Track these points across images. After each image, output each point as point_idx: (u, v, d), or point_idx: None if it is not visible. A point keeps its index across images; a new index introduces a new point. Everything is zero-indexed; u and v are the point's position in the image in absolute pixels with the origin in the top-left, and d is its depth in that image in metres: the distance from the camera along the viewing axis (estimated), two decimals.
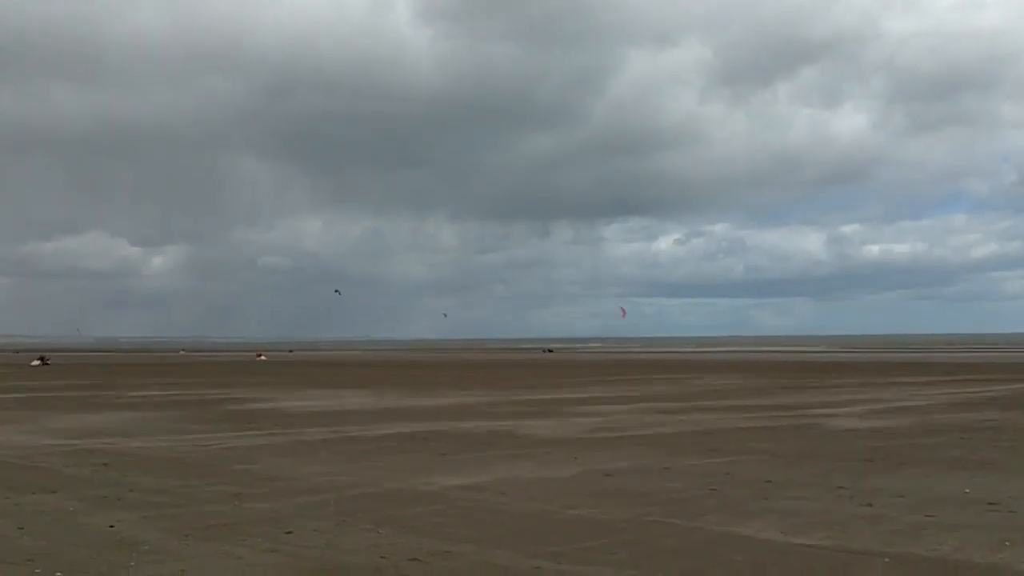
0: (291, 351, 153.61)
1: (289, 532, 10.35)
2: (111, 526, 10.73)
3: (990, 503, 11.93)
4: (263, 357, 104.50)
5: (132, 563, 9.00)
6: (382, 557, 9.17)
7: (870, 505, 11.82)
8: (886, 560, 8.99)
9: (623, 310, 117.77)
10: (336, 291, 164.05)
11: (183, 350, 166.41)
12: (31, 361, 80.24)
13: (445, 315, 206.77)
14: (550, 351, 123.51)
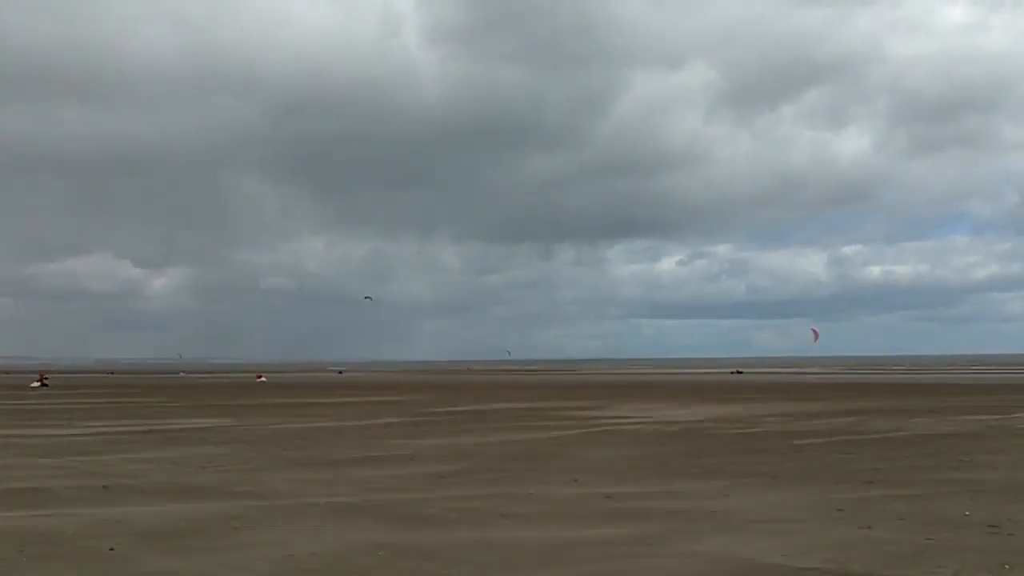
0: (341, 372, 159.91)
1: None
2: (111, 549, 10.74)
3: (990, 525, 11.92)
4: (263, 379, 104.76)
5: None
6: None
7: (870, 528, 11.81)
8: None
9: (815, 333, 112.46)
10: (367, 297, 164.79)
11: (183, 371, 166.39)
12: (31, 383, 78.45)
13: (509, 352, 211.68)
14: (740, 372, 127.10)
